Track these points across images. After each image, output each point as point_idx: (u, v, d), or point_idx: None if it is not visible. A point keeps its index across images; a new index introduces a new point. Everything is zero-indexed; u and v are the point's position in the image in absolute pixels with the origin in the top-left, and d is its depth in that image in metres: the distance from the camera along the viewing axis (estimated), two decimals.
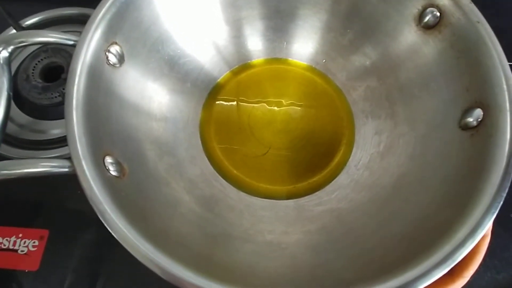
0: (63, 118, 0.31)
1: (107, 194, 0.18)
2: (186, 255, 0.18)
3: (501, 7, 0.27)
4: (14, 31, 0.35)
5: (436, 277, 0.16)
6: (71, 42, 0.21)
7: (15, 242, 0.27)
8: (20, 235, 0.27)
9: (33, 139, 0.31)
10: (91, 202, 0.17)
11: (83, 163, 0.18)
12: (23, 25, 0.35)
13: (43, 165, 0.18)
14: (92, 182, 0.18)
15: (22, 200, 0.29)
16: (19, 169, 0.18)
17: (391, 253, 0.18)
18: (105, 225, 0.17)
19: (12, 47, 0.20)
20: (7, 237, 0.27)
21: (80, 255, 0.27)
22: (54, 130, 0.31)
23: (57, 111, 0.32)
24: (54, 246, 0.27)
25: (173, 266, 0.16)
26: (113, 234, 0.17)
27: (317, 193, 0.26)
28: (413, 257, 0.17)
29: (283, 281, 0.18)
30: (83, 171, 0.18)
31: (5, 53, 0.20)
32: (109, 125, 0.21)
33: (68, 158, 0.18)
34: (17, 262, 0.27)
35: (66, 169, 0.18)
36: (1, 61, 0.20)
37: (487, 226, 0.17)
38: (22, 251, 0.27)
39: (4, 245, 0.27)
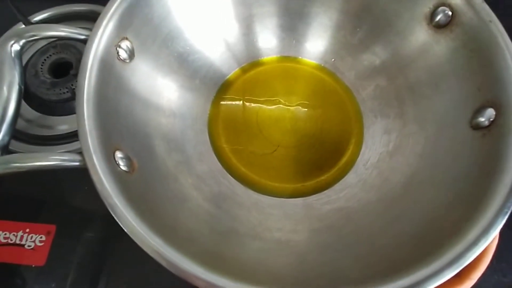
0: (70, 114, 0.32)
1: (117, 188, 0.18)
2: (194, 250, 0.18)
3: (510, 7, 0.26)
4: (23, 26, 0.35)
5: (447, 277, 0.16)
6: (83, 37, 0.21)
7: (22, 237, 0.27)
8: (27, 230, 0.28)
9: (40, 134, 0.31)
10: (101, 196, 0.17)
11: (94, 157, 0.18)
12: (32, 21, 0.36)
13: (54, 159, 0.18)
14: (102, 176, 0.18)
15: (29, 196, 0.29)
16: (30, 162, 0.18)
17: (399, 253, 0.18)
18: (115, 218, 0.17)
19: (23, 40, 0.20)
20: (14, 232, 0.28)
21: (86, 250, 0.27)
22: (61, 126, 0.31)
23: (65, 107, 0.32)
24: (61, 241, 0.27)
25: (181, 260, 0.16)
26: (123, 227, 0.17)
27: (325, 191, 0.26)
28: (423, 256, 0.17)
29: (291, 278, 0.18)
30: (94, 165, 0.18)
31: (16, 47, 0.20)
32: (119, 120, 0.21)
33: (79, 152, 0.18)
34: (24, 257, 0.27)
35: (77, 163, 0.18)
36: (13, 55, 0.20)
37: (500, 226, 0.17)
38: (29, 246, 0.27)
39: (11, 240, 0.27)
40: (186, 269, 0.16)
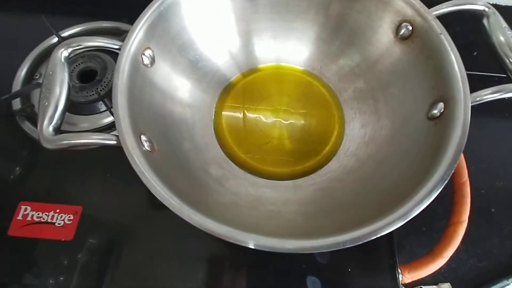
0: (91, 114, 0.37)
1: (144, 161, 0.23)
2: (203, 211, 0.22)
3: (478, 23, 0.31)
4: (55, 39, 0.41)
5: (397, 226, 0.20)
6: (117, 46, 0.26)
7: (53, 216, 0.32)
8: (58, 210, 0.32)
9: (65, 130, 0.35)
10: (132, 166, 0.22)
11: (126, 137, 0.23)
12: (62, 35, 0.41)
13: (95, 138, 0.23)
14: (132, 152, 0.23)
15: (59, 180, 0.34)
16: (76, 140, 0.23)
17: (366, 214, 0.23)
18: (143, 182, 0.22)
19: (70, 49, 0.26)
20: (46, 212, 0.32)
21: (108, 227, 0.32)
22: (83, 123, 0.36)
23: (88, 108, 0.37)
24: (87, 220, 0.32)
25: (194, 213, 0.21)
26: (149, 188, 0.21)
27: (311, 175, 0.31)
28: (382, 214, 0.21)
29: (281, 233, 0.22)
30: (126, 143, 0.23)
31: (65, 53, 0.25)
32: (142, 111, 0.27)
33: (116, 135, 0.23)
34: (54, 233, 0.31)
35: (114, 142, 0.23)
36: (63, 60, 0.25)
37: (440, 190, 0.21)
38: (59, 224, 0.31)
39: (44, 219, 0.32)
40: (196, 220, 0.21)
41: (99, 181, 0.34)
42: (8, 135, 0.36)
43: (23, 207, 0.32)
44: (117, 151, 0.23)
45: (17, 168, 0.35)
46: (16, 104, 0.36)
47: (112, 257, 0.30)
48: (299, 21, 0.33)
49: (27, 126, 0.35)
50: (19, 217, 0.31)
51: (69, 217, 0.32)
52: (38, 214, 0.32)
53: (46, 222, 0.32)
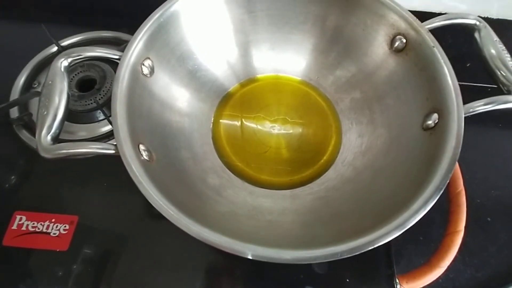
0: (90, 123, 0.37)
1: (142, 171, 0.23)
2: (200, 220, 0.22)
3: (470, 36, 0.32)
4: (54, 48, 0.41)
5: (394, 236, 0.20)
6: (117, 56, 0.26)
7: (48, 226, 0.31)
8: (53, 220, 0.32)
9: (63, 138, 0.35)
10: (130, 175, 0.22)
11: (124, 146, 0.23)
12: (62, 45, 0.42)
13: (93, 147, 0.23)
14: (130, 161, 0.23)
15: (55, 190, 0.34)
16: (74, 149, 0.23)
17: (362, 223, 0.23)
18: (141, 191, 0.22)
19: (70, 59, 0.26)
20: (41, 221, 0.31)
21: (104, 237, 0.31)
22: (81, 132, 0.36)
23: (87, 116, 0.37)
24: (82, 230, 0.31)
25: (189, 222, 0.21)
26: (147, 199, 0.21)
27: (309, 185, 0.31)
28: (378, 224, 0.21)
29: (278, 243, 0.22)
30: (124, 153, 0.23)
31: (65, 63, 0.26)
32: (141, 121, 0.27)
33: (114, 144, 0.23)
34: (50, 243, 0.31)
35: (112, 151, 0.23)
36: (62, 69, 0.26)
37: (436, 199, 0.22)
38: (54, 233, 0.31)
39: (39, 229, 0.31)
40: (194, 230, 0.21)
41: (95, 191, 0.33)
42: (5, 144, 0.36)
43: (18, 217, 0.32)
44: (114, 160, 0.23)
45: (13, 177, 0.35)
46: (14, 112, 0.36)
47: (108, 268, 0.30)
48: (297, 32, 0.34)
49: (24, 134, 0.35)
50: (14, 227, 0.31)
51: (65, 227, 0.31)
52: (33, 223, 0.32)
53: (41, 232, 0.31)
